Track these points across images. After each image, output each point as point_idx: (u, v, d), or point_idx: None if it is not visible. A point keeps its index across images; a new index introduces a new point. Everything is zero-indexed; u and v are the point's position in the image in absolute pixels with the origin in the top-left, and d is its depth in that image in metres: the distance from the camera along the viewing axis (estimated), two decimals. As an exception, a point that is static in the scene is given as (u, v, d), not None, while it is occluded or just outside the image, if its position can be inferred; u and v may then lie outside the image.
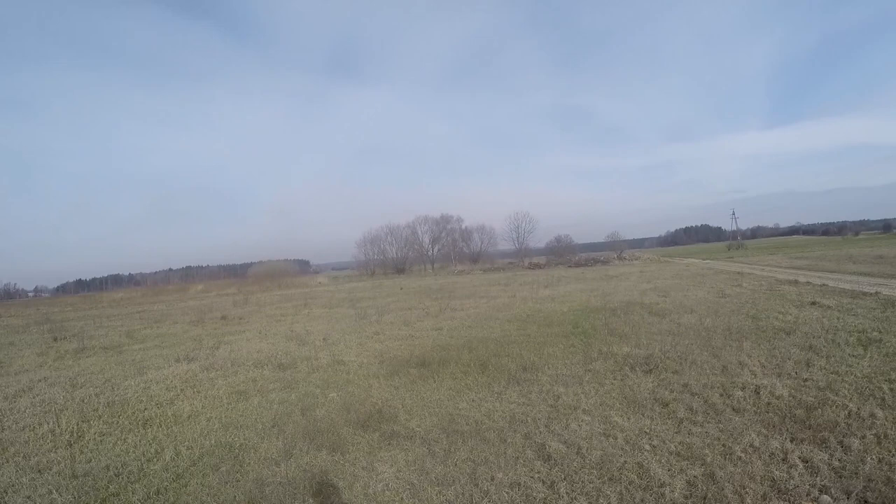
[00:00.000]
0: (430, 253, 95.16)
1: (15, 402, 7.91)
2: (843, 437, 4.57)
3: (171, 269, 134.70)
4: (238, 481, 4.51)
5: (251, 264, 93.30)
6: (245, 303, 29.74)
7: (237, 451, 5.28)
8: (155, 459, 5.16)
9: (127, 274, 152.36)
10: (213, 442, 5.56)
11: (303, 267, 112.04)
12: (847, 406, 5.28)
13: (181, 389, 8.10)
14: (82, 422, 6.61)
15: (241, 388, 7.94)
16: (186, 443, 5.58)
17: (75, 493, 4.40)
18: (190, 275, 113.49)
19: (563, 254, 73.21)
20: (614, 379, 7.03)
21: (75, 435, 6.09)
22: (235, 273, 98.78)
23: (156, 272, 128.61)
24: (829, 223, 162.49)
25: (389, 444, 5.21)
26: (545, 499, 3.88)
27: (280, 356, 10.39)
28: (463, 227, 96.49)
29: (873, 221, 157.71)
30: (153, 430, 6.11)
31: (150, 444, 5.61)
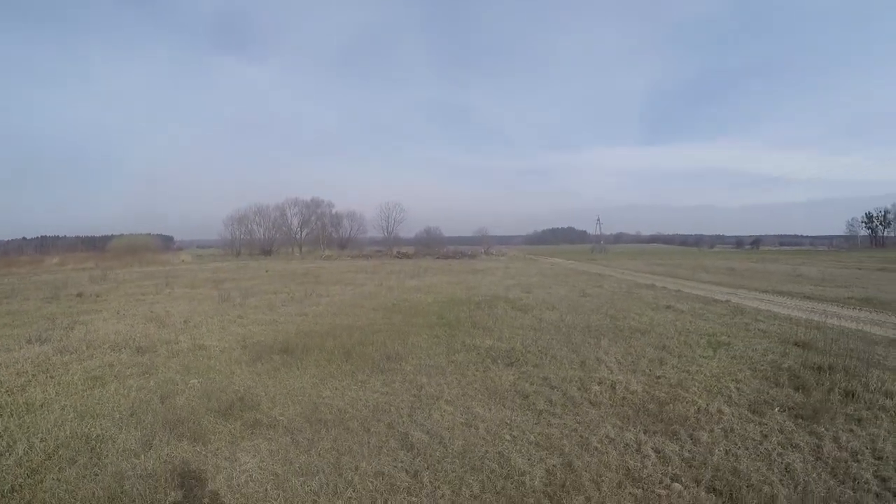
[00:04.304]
0: (298, 236, 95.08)
1: None
2: (693, 430, 5.23)
3: (24, 239, 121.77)
4: (96, 475, 4.49)
5: (111, 237, 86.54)
6: (103, 279, 27.69)
7: (94, 442, 5.20)
8: (7, 453, 4.93)
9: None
10: (68, 433, 5.41)
11: (166, 243, 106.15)
12: (697, 402, 6.03)
13: (33, 374, 7.64)
14: (-82, 411, 6.05)
15: (96, 374, 7.67)
16: (40, 434, 5.38)
17: (-87, 494, 4.10)
18: (45, 245, 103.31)
19: (432, 245, 76.26)
20: (476, 371, 7.58)
21: (-89, 426, 5.58)
22: (94, 246, 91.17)
23: (7, 241, 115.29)
24: (688, 235, 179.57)
25: (252, 433, 5.38)
26: (409, 487, 4.20)
27: (139, 339, 10.07)
28: (333, 211, 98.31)
29: (728, 237, 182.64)
30: (3, 421, 5.80)
31: (0, 437, 5.26)
